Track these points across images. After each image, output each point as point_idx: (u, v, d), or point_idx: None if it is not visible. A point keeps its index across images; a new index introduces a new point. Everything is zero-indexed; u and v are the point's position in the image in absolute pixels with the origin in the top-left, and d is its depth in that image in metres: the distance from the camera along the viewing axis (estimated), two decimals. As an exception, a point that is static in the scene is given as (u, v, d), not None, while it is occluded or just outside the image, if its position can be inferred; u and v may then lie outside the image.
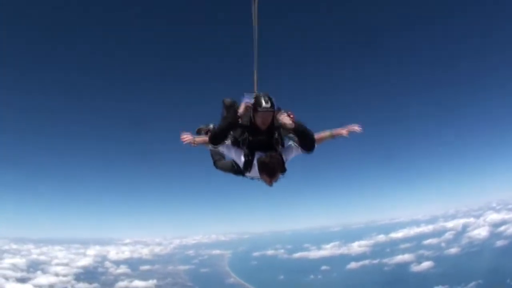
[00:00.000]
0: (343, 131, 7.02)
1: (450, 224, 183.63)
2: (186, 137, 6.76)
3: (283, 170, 6.73)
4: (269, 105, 6.47)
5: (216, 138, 6.60)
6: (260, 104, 6.44)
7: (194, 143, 6.77)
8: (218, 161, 7.72)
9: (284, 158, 6.79)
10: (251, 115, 6.71)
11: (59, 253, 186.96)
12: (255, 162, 6.72)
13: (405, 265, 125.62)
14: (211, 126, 8.01)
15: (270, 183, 6.41)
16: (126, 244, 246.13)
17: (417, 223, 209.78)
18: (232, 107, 7.25)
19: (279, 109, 6.80)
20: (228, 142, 6.90)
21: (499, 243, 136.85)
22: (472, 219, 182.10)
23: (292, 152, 6.98)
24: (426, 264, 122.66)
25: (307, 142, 6.62)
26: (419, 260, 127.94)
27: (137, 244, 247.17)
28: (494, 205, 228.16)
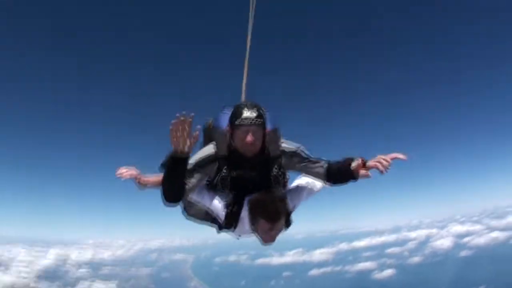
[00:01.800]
0: (380, 163, 3.93)
1: (413, 234, 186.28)
2: (125, 171, 4.25)
3: (287, 222, 4.37)
4: (254, 114, 3.94)
5: (168, 196, 3.85)
6: (239, 115, 3.95)
7: (141, 183, 4.31)
8: (189, 208, 4.74)
9: (291, 206, 4.36)
10: (229, 137, 4.14)
11: (21, 253, 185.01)
12: (243, 213, 4.25)
13: (367, 273, 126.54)
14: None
15: (270, 236, 4.02)
16: (88, 246, 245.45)
17: (380, 232, 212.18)
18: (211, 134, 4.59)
19: (275, 130, 4.39)
20: (195, 182, 4.09)
21: (463, 253, 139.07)
22: (435, 230, 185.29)
23: (303, 195, 4.61)
24: (388, 272, 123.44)
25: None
26: (381, 268, 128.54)
27: (99, 246, 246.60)
28: (458, 217, 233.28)
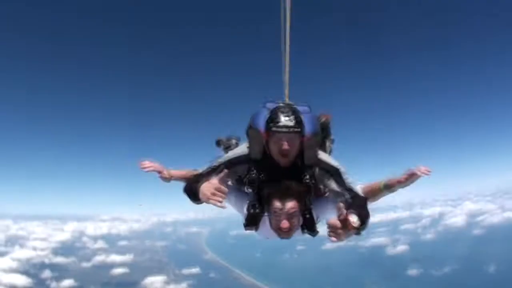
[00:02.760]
0: (408, 178, 4.11)
1: (427, 211, 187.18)
2: (149, 164, 4.22)
3: (312, 228, 4.25)
4: (291, 122, 3.79)
5: (191, 198, 3.95)
6: (276, 120, 3.80)
7: (165, 176, 4.29)
8: None
9: (315, 216, 4.22)
10: (264, 141, 4.02)
11: (37, 229, 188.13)
12: (265, 216, 4.16)
13: (380, 248, 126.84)
14: (234, 141, 5.43)
15: (284, 224, 3.84)
16: (104, 220, 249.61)
17: (393, 208, 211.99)
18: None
19: (315, 135, 4.18)
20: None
21: (476, 231, 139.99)
22: (449, 208, 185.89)
23: (327, 208, 4.25)
24: (402, 248, 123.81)
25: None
26: (395, 243, 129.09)
27: (115, 221, 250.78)
28: (471, 195, 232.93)
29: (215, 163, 4.16)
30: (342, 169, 4.10)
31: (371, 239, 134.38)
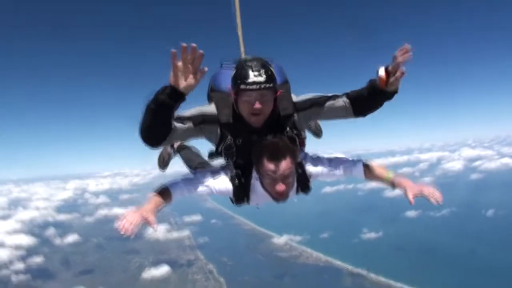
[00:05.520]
0: (416, 190, 3.39)
1: (425, 156, 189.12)
2: (129, 224, 2.98)
3: (305, 187, 3.92)
4: (262, 77, 3.22)
5: (145, 133, 3.20)
6: (245, 77, 3.24)
7: (152, 219, 3.16)
8: None
9: (308, 173, 3.85)
10: (233, 102, 3.51)
11: (40, 189, 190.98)
12: (253, 182, 3.76)
13: (378, 191, 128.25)
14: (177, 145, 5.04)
15: (279, 186, 3.39)
16: (105, 177, 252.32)
17: (392, 153, 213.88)
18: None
19: (285, 85, 3.70)
20: (184, 131, 3.48)
21: (474, 176, 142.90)
22: (447, 153, 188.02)
23: (324, 170, 3.93)
24: (399, 191, 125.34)
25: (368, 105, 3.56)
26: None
27: (116, 176, 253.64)
28: (469, 142, 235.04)
29: (186, 113, 3.50)
30: (316, 95, 3.73)
31: (369, 183, 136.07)
